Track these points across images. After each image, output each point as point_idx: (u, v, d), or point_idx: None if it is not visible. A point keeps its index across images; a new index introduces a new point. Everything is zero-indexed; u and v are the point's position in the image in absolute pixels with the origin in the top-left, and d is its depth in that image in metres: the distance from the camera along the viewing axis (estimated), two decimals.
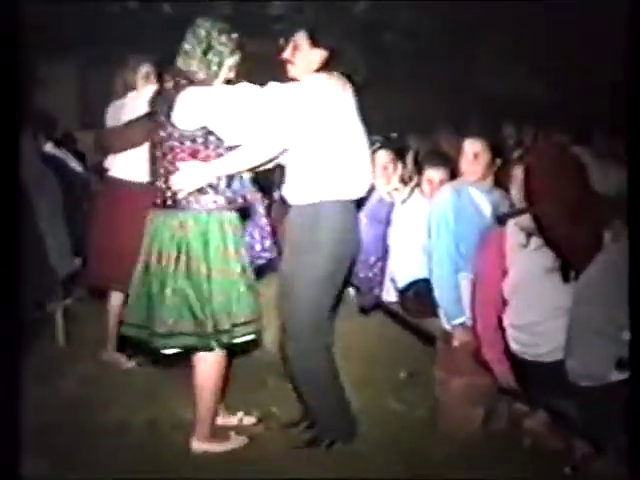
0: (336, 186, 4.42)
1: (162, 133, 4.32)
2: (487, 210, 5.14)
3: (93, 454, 4.54)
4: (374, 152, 6.30)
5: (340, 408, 4.71)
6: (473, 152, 5.12)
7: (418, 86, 12.42)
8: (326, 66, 4.46)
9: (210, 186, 4.31)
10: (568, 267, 4.22)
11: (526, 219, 4.37)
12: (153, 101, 4.51)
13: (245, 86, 4.44)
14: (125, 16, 11.44)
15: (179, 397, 5.14)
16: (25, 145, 6.45)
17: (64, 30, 12.20)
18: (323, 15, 10.98)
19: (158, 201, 4.39)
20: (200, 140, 4.27)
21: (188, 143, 4.28)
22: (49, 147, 7.66)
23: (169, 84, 4.32)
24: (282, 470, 4.41)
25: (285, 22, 10.72)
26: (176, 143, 4.29)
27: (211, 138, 4.28)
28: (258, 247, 4.90)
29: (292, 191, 4.55)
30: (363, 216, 6.17)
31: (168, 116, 4.25)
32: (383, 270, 5.95)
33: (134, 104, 5.64)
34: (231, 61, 4.34)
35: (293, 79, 4.56)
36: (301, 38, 4.49)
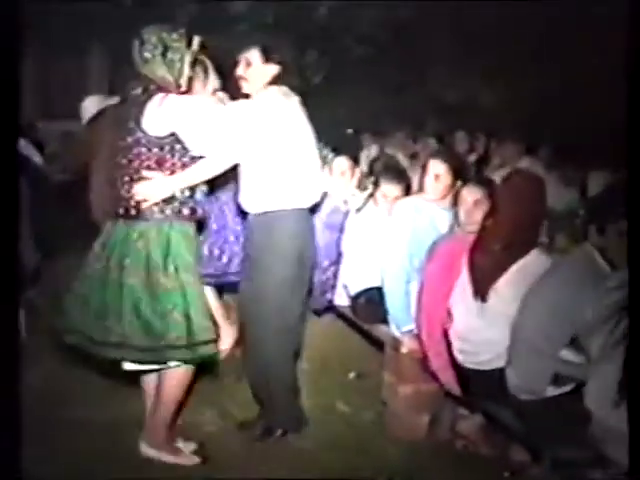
0: (290, 195, 4.64)
1: (129, 139, 4.30)
2: (443, 227, 5.26)
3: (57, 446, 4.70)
4: (332, 159, 6.49)
5: (293, 401, 5.03)
6: (435, 173, 5.24)
7: (373, 89, 12.58)
8: (277, 79, 4.66)
9: (173, 196, 4.35)
10: (474, 290, 4.44)
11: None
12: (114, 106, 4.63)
13: (209, 99, 4.61)
14: (84, 7, 11.46)
15: (139, 394, 5.28)
16: None
17: (25, 18, 12.19)
18: (283, 17, 11.12)
19: (120, 210, 4.37)
20: (167, 147, 4.29)
21: (155, 150, 4.29)
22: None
23: (137, 91, 4.34)
24: (236, 467, 4.63)
25: (246, 23, 10.89)
26: (143, 149, 4.29)
27: (177, 146, 4.31)
28: (225, 259, 5.03)
29: (248, 200, 4.72)
30: (318, 222, 6.34)
31: (138, 122, 4.26)
32: (336, 274, 6.06)
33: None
34: (189, 56, 4.37)
35: (246, 95, 4.73)
36: (253, 55, 4.66)
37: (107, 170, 4.61)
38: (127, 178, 4.35)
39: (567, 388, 3.89)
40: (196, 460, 4.71)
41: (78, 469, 4.47)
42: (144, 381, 4.78)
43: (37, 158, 8.30)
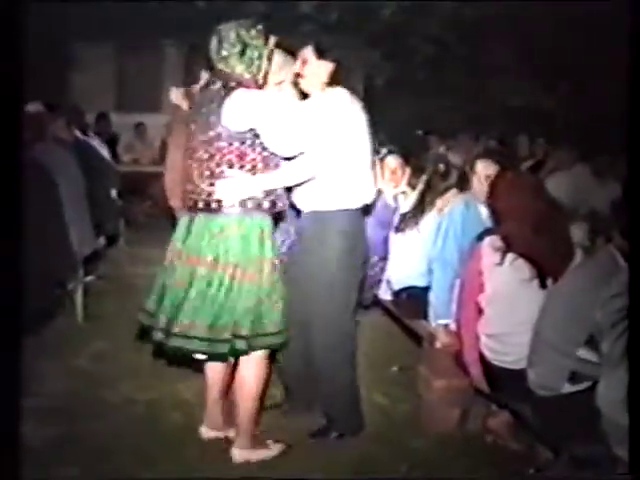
0: (345, 195, 4.68)
1: (211, 133, 4.28)
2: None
3: (96, 426, 4.91)
4: (384, 157, 6.61)
5: (353, 402, 5.01)
6: (486, 174, 5.34)
7: (439, 91, 12.62)
8: (335, 78, 4.71)
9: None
10: (544, 275, 4.44)
11: (497, 239, 4.58)
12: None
13: (286, 94, 4.72)
14: (160, 5, 11.74)
15: (182, 379, 5.51)
16: (55, 132, 6.87)
17: (102, 15, 12.54)
18: (348, 18, 11.21)
19: (201, 204, 4.37)
20: (248, 142, 4.28)
21: (236, 144, 4.28)
22: (78, 134, 7.93)
23: (217, 85, 4.34)
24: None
25: (311, 23, 11.00)
26: (224, 144, 4.28)
27: (257, 141, 4.30)
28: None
29: (303, 199, 4.77)
30: (369, 219, 6.47)
31: (219, 117, 4.25)
32: (383, 269, 6.18)
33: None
34: (266, 52, 4.43)
35: (304, 93, 4.83)
36: (308, 52, 4.73)
37: (186, 163, 4.56)
38: (208, 172, 4.35)
39: (583, 386, 3.95)
40: (283, 448, 4.75)
41: (117, 450, 4.66)
42: (209, 368, 4.77)
43: (104, 150, 8.55)
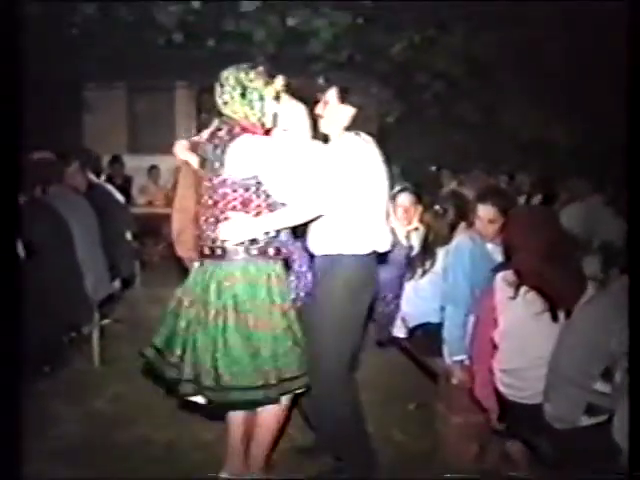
0: (355, 240, 4.54)
1: (215, 180, 4.28)
2: (499, 258, 5.28)
3: (114, 468, 4.93)
4: (396, 195, 6.62)
5: (364, 445, 4.82)
6: (488, 218, 5.45)
7: (449, 127, 12.67)
8: (355, 123, 4.64)
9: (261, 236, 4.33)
10: (555, 307, 4.42)
11: (510, 273, 4.59)
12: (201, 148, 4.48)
13: (294, 139, 4.56)
14: (170, 48, 11.82)
15: (200, 420, 5.48)
16: (69, 178, 6.93)
17: (114, 58, 12.65)
18: (359, 56, 11.28)
19: (206, 250, 4.37)
20: (252, 189, 4.25)
21: (240, 191, 4.25)
22: (92, 177, 7.94)
23: (223, 132, 4.31)
24: None
25: (321, 63, 11.05)
26: (228, 190, 4.26)
27: (262, 188, 4.26)
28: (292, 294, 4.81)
29: (315, 242, 4.68)
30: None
31: (222, 163, 4.23)
32: (398, 307, 6.19)
33: None
34: (271, 91, 4.38)
35: (325, 135, 4.77)
36: (330, 94, 4.64)
37: (192, 210, 4.58)
38: (212, 219, 4.34)
39: (601, 418, 3.94)
40: None
41: None
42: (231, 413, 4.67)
43: (117, 194, 8.58)
